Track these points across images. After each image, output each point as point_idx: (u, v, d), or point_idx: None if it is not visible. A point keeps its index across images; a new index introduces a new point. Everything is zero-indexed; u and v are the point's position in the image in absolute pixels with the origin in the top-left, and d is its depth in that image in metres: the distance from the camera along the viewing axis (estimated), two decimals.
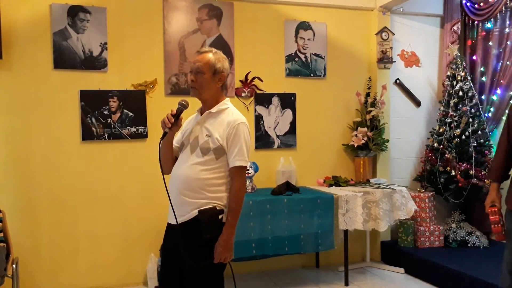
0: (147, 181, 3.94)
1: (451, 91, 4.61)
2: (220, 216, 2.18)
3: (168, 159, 2.31)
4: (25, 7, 3.72)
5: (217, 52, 2.28)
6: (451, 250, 4.39)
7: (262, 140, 4.41)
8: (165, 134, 2.19)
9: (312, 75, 4.57)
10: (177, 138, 2.36)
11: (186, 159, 2.22)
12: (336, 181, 4.40)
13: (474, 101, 4.56)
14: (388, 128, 4.66)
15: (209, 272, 2.17)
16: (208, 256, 2.14)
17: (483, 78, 4.79)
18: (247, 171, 3.97)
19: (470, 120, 4.47)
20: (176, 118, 2.18)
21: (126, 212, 4.00)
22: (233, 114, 2.25)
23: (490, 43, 4.72)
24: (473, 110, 4.53)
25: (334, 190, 4.11)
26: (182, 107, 2.20)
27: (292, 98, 4.50)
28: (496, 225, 2.63)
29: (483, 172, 4.40)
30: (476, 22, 4.88)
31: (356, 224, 3.89)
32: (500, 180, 2.72)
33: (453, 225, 4.56)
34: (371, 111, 4.53)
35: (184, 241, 2.16)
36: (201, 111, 2.31)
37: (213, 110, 2.24)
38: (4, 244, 3.19)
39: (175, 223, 2.18)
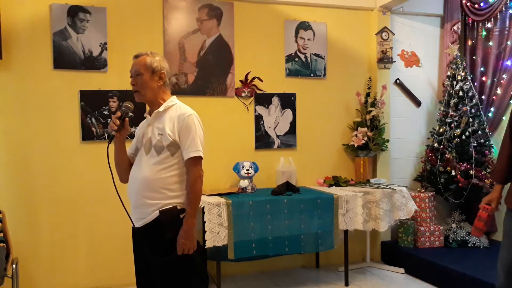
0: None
1: (451, 91, 4.61)
2: (181, 216, 2.19)
3: (124, 167, 2.36)
4: (25, 7, 3.72)
5: (154, 53, 2.32)
6: (451, 250, 4.39)
7: (262, 140, 4.41)
8: (112, 137, 2.24)
9: (312, 75, 4.57)
10: (131, 146, 2.40)
11: (141, 161, 2.25)
12: (336, 181, 4.40)
13: (474, 101, 4.56)
14: (388, 128, 4.66)
15: (175, 270, 2.18)
16: (172, 251, 2.15)
17: (483, 78, 4.79)
18: (247, 172, 4.00)
19: (470, 120, 4.47)
20: (122, 120, 2.22)
21: (125, 212, 3.98)
22: (181, 108, 2.28)
23: (490, 43, 4.72)
24: (473, 110, 4.53)
25: (334, 190, 4.10)
26: (127, 109, 2.25)
27: (292, 98, 4.50)
28: (479, 221, 2.63)
29: (484, 172, 4.40)
30: (476, 22, 4.88)
31: (356, 224, 3.88)
32: (504, 181, 2.69)
33: (453, 225, 4.56)
34: (371, 111, 4.53)
35: (148, 242, 2.19)
36: (150, 113, 2.33)
37: (161, 108, 2.27)
38: (4, 244, 3.20)
39: (135, 225, 2.24)
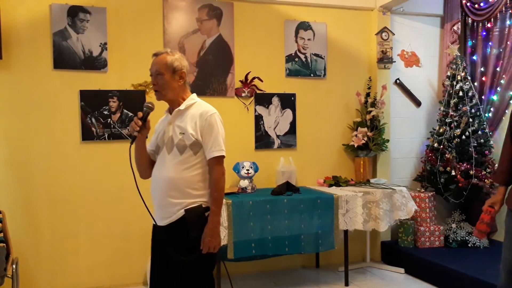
0: (147, 181, 3.92)
1: (451, 91, 4.61)
2: (206, 214, 2.21)
3: (145, 164, 2.35)
4: (25, 7, 3.72)
5: (173, 51, 2.30)
6: (451, 250, 4.39)
7: (262, 140, 4.41)
8: (134, 138, 2.22)
9: (312, 75, 4.57)
10: (151, 142, 2.38)
11: (164, 160, 2.24)
12: (336, 181, 4.40)
13: (474, 101, 4.56)
14: (388, 128, 4.66)
15: (198, 269, 2.18)
16: (196, 250, 2.16)
17: (483, 78, 4.79)
18: (247, 172, 4.00)
19: (470, 120, 4.47)
20: (144, 120, 2.21)
21: (126, 212, 3.99)
22: (202, 106, 2.28)
23: (490, 43, 4.72)
24: (473, 110, 4.53)
25: (334, 190, 4.10)
26: (148, 109, 2.24)
27: (292, 98, 4.50)
28: (482, 223, 2.61)
29: (483, 172, 4.39)
30: (476, 22, 4.88)
31: (356, 224, 3.88)
32: (506, 183, 2.66)
33: (453, 225, 4.56)
34: (371, 111, 4.53)
35: (173, 241, 2.18)
36: (170, 111, 2.33)
37: (182, 107, 2.26)
38: (4, 244, 3.20)
39: (159, 224, 2.22)
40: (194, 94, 2.35)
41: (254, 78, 4.34)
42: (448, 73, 4.70)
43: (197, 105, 2.28)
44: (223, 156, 2.22)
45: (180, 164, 2.19)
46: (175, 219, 2.19)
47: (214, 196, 2.19)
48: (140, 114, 2.22)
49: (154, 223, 2.28)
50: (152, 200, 2.30)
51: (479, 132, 4.51)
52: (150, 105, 2.25)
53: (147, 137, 2.33)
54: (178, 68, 2.25)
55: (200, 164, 2.22)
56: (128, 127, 3.98)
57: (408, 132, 4.91)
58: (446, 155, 4.46)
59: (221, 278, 3.71)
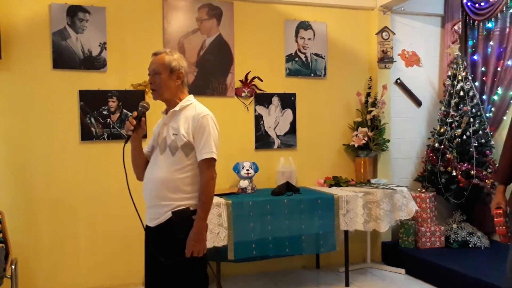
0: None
1: (452, 91, 4.60)
2: (193, 217, 2.18)
3: (141, 165, 2.33)
4: (24, 7, 3.72)
5: (172, 51, 2.29)
6: (452, 250, 4.37)
7: (262, 140, 4.40)
8: (128, 137, 2.22)
9: (312, 75, 4.56)
10: (148, 144, 2.38)
11: (157, 160, 2.23)
12: (337, 182, 4.38)
13: (475, 101, 4.55)
14: (388, 128, 4.65)
15: (187, 271, 2.17)
16: (180, 252, 2.14)
17: (484, 78, 4.78)
18: (247, 172, 3.99)
19: (471, 120, 4.46)
20: (138, 120, 2.20)
21: (125, 212, 3.97)
22: (196, 108, 2.25)
23: (491, 43, 4.70)
24: (474, 110, 4.52)
25: (334, 190, 4.09)
26: (143, 108, 2.24)
27: (292, 98, 4.49)
28: (500, 227, 2.60)
29: (484, 172, 4.38)
30: (477, 21, 4.87)
31: (356, 224, 3.87)
32: (506, 181, 2.66)
33: (454, 226, 4.55)
34: (371, 111, 4.52)
35: (160, 242, 2.18)
36: (166, 112, 2.31)
37: (177, 108, 2.24)
38: (3, 244, 3.20)
39: (150, 225, 2.23)
40: (191, 96, 2.33)
41: (254, 78, 4.33)
42: (449, 73, 4.69)
43: (192, 107, 2.26)
44: (213, 159, 2.18)
45: (171, 165, 2.17)
46: (163, 221, 2.18)
47: (201, 200, 2.15)
48: (135, 113, 2.21)
49: (146, 224, 2.29)
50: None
51: (480, 132, 4.49)
52: (145, 104, 2.24)
53: (145, 137, 2.32)
54: (175, 68, 2.23)
55: (191, 166, 2.19)
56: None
57: (409, 132, 4.90)
58: (447, 155, 4.45)
59: (222, 279, 3.70)
